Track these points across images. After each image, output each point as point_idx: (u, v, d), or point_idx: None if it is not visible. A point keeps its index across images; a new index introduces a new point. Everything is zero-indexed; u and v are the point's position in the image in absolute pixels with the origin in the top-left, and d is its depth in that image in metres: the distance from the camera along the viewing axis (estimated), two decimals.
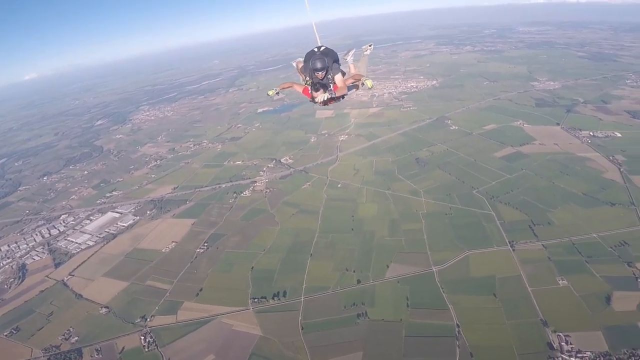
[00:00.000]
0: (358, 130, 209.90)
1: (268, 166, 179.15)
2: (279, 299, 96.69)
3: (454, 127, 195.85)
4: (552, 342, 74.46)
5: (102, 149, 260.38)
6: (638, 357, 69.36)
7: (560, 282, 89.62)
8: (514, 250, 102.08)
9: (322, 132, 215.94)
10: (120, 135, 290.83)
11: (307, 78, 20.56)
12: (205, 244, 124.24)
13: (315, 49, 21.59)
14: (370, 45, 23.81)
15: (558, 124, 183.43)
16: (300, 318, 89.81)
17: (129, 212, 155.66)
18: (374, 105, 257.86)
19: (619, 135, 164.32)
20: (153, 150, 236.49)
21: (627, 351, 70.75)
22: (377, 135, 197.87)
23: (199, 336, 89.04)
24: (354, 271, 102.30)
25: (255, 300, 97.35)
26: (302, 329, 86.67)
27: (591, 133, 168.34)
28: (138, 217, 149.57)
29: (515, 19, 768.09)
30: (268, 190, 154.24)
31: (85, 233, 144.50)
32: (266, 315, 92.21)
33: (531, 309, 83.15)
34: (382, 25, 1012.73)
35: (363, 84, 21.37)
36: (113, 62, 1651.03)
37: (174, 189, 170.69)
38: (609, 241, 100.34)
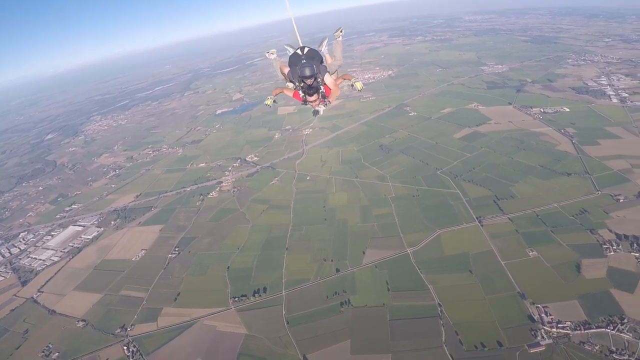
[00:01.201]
0: (321, 123, 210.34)
1: (233, 166, 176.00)
2: (260, 296, 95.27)
3: (413, 113, 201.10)
4: (533, 315, 77.23)
5: (55, 164, 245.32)
6: (616, 324, 72.47)
7: (530, 253, 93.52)
8: (482, 225, 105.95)
9: (286, 128, 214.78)
10: (74, 148, 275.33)
11: (297, 83, 20.09)
12: (177, 249, 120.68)
13: (299, 52, 20.98)
14: (340, 31, 23.26)
15: (510, 104, 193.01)
16: (284, 312, 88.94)
17: (91, 224, 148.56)
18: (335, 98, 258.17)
19: (567, 110, 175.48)
20: (110, 160, 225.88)
21: (604, 319, 74.08)
22: (340, 126, 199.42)
23: (183, 341, 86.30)
24: (332, 260, 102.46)
25: (236, 299, 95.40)
26: (288, 323, 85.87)
27: (541, 110, 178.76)
28: (102, 229, 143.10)
29: (461, 8, 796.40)
30: (236, 190, 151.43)
31: (49, 249, 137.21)
32: (249, 313, 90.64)
33: (507, 282, 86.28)
34: (335, 21, 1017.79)
35: (353, 85, 21.24)
36: (56, 75, 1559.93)
37: (137, 197, 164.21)
38: (570, 210, 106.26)
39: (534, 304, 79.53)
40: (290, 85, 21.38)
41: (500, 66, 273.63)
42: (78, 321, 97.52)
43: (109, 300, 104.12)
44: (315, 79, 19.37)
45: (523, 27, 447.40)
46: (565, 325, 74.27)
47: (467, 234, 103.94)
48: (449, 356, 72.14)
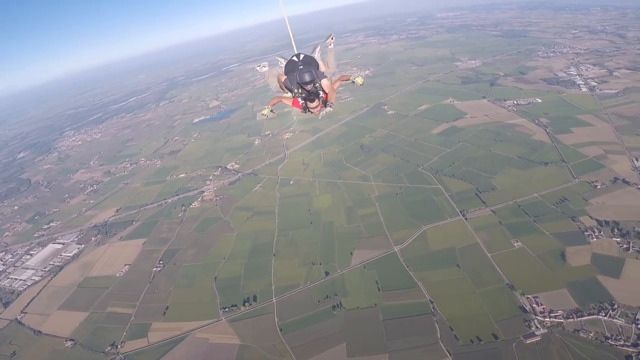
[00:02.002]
0: (301, 127, 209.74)
1: (214, 174, 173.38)
2: (250, 305, 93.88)
3: (391, 111, 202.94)
4: (524, 305, 78.14)
5: (29, 182, 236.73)
6: (607, 310, 73.84)
7: (515, 244, 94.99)
8: (466, 219, 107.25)
9: (266, 133, 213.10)
10: (48, 165, 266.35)
11: (295, 90, 20.08)
12: (161, 262, 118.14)
13: (295, 58, 20.91)
14: (331, 38, 22.97)
15: (484, 97, 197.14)
16: (276, 320, 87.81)
17: (71, 241, 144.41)
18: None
19: (539, 101, 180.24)
20: (87, 175, 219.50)
21: (595, 305, 75.41)
22: (320, 128, 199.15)
23: (176, 355, 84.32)
24: (320, 264, 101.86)
25: (226, 309, 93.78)
26: (281, 330, 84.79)
27: (515, 102, 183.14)
28: (83, 245, 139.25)
29: (433, 6, 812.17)
30: (218, 198, 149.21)
31: (29, 268, 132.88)
32: (241, 323, 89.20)
33: (495, 274, 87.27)
34: (310, 23, 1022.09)
35: (353, 82, 21.16)
36: (25, 90, 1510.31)
37: (117, 211, 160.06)
38: (550, 199, 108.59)
39: (524, 294, 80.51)
40: (289, 94, 21.14)
41: (473, 61, 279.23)
42: (66, 341, 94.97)
43: (96, 318, 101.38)
44: (314, 84, 19.45)
45: (494, 22, 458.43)
46: (557, 314, 75.27)
47: (452, 229, 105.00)
48: (446, 352, 72.36)
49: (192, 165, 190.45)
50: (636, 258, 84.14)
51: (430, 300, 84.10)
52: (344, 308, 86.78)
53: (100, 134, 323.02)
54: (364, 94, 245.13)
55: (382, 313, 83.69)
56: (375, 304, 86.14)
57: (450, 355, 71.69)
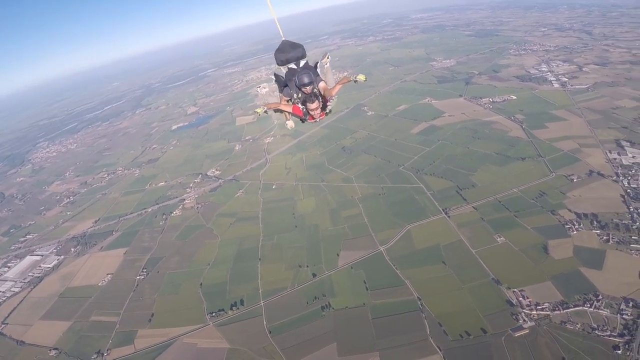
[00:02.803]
0: (282, 130, 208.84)
1: (195, 182, 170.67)
2: (238, 309, 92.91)
3: (370, 112, 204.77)
4: (511, 299, 79.48)
5: (3, 195, 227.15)
6: (592, 302, 75.49)
7: (498, 239, 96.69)
8: (449, 216, 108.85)
9: (246, 138, 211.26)
10: (21, 178, 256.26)
11: (295, 95, 20.01)
12: (144, 270, 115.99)
13: (294, 66, 21.11)
14: (327, 57, 22.74)
15: (461, 96, 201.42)
16: (265, 322, 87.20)
17: (50, 252, 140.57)
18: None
19: (514, 97, 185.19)
20: (63, 187, 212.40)
21: (580, 297, 77.12)
22: (301, 132, 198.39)
23: None
24: (307, 266, 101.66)
25: (213, 314, 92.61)
26: (270, 332, 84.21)
27: (490, 99, 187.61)
28: (62, 256, 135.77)
29: (408, 7, 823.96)
30: (199, 206, 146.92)
31: (7, 280, 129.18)
32: (229, 327, 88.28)
33: (480, 270, 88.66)
34: (287, 27, 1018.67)
35: (355, 80, 20.65)
36: None
37: (96, 222, 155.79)
38: (529, 194, 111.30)
39: (510, 288, 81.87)
40: (288, 103, 21.07)
41: (448, 61, 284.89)
42: (50, 350, 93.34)
43: (79, 327, 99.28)
44: (313, 86, 19.48)
45: (466, 22, 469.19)
46: (543, 306, 76.67)
47: (436, 227, 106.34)
48: (436, 347, 72.98)
49: (171, 173, 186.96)
50: (616, 249, 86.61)
51: (418, 297, 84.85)
52: (332, 308, 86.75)
53: (75, 144, 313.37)
54: (343, 95, 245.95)
55: (371, 312, 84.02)
56: (364, 304, 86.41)
57: (440, 350, 72.27)
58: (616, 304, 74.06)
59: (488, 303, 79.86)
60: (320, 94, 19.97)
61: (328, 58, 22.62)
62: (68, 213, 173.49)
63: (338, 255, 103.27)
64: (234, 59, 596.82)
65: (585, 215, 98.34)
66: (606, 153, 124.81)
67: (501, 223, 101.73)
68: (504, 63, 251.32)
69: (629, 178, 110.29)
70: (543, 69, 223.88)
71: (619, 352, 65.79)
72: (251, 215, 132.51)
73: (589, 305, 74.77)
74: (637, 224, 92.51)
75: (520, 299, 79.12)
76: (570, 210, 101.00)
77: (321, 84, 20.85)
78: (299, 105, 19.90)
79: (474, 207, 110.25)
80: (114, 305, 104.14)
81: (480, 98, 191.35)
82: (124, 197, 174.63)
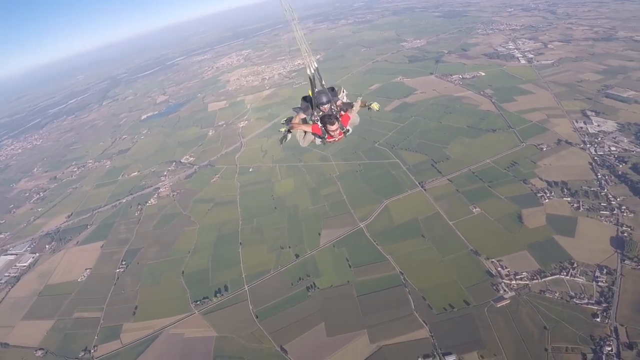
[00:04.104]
0: (256, 114, 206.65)
1: (168, 170, 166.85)
2: (222, 295, 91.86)
3: (344, 92, 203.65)
4: (490, 270, 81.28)
5: None
6: (568, 269, 78.01)
7: (474, 210, 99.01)
8: (425, 190, 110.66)
9: (220, 124, 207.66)
10: None
11: (315, 113, 20.62)
12: (123, 263, 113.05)
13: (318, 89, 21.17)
14: (343, 91, 23.31)
15: (432, 74, 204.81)
16: (251, 307, 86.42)
17: (24, 251, 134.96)
18: (267, 88, 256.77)
19: (483, 74, 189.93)
20: (31, 184, 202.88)
21: (556, 265, 79.39)
22: (276, 114, 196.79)
23: (153, 353, 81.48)
24: (289, 247, 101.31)
25: (198, 302, 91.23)
26: (257, 317, 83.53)
27: (460, 76, 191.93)
28: (37, 254, 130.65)
29: None
30: (175, 193, 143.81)
31: None
32: (215, 315, 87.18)
33: (459, 241, 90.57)
34: (258, 14, 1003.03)
35: (370, 107, 21.62)
36: None
37: (69, 217, 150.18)
38: (501, 164, 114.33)
39: (488, 259, 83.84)
40: (309, 123, 21.59)
41: (418, 41, 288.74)
42: (36, 350, 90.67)
43: (63, 325, 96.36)
44: (331, 105, 20.19)
45: (435, 4, 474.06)
46: (522, 276, 78.73)
47: (413, 200, 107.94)
48: (422, 322, 74.02)
49: (144, 163, 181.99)
50: (587, 216, 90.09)
51: (400, 272, 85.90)
52: (318, 288, 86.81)
53: (41, 140, 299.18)
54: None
55: (355, 289, 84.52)
56: (348, 281, 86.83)
57: (426, 325, 73.34)
58: (591, 272, 76.71)
59: (469, 274, 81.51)
60: (339, 116, 20.36)
61: (344, 92, 23.36)
62: (39, 209, 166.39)
63: (319, 234, 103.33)
64: (203, 47, 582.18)
65: (556, 183, 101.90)
66: (573, 122, 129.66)
67: (476, 194, 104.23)
68: (472, 42, 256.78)
69: (596, 146, 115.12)
70: (510, 47, 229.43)
71: (598, 319, 68.05)
72: (229, 199, 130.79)
73: (565, 274, 77.20)
74: (605, 190, 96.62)
75: (499, 269, 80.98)
76: (541, 179, 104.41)
77: (339, 103, 21.81)
78: (319, 124, 20.30)
79: (449, 180, 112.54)
80: (95, 300, 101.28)
81: (451, 75, 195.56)
82: (96, 190, 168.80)
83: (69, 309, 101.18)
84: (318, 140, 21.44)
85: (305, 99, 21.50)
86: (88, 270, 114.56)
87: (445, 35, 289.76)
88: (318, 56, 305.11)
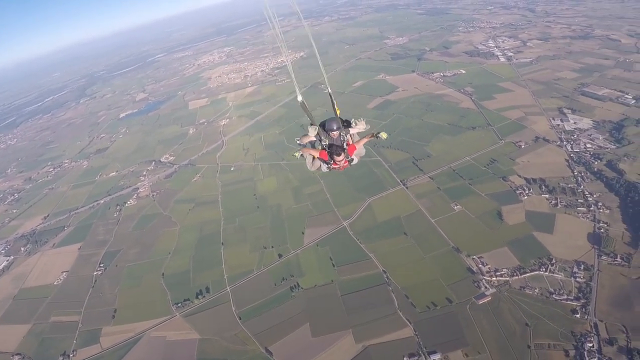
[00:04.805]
0: (238, 112, 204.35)
1: (148, 169, 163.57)
2: (204, 297, 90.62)
3: (327, 90, 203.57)
4: (471, 267, 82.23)
5: None
6: (547, 266, 79.27)
7: (455, 207, 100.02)
8: (407, 187, 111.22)
9: (200, 122, 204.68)
10: None
11: (323, 138, 21.05)
12: (102, 265, 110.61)
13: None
14: (362, 121, 22.57)
15: (413, 71, 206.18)
16: (234, 308, 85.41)
17: None
18: (249, 85, 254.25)
19: (463, 72, 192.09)
20: (5, 184, 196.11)
21: (535, 261, 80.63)
22: (259, 112, 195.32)
23: (135, 357, 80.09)
24: (272, 247, 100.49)
25: (179, 305, 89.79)
26: (240, 318, 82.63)
27: (441, 74, 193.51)
28: (12, 257, 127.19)
29: None
30: (155, 193, 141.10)
31: None
32: (197, 317, 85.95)
33: (440, 239, 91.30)
34: (242, 9, 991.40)
35: (378, 136, 21.75)
36: None
37: (45, 218, 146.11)
38: (481, 161, 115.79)
39: (469, 256, 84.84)
40: (317, 147, 22.03)
41: (401, 38, 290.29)
42: (12, 355, 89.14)
43: (40, 330, 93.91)
44: (340, 132, 20.64)
45: (418, 1, 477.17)
46: (502, 272, 79.88)
47: (395, 198, 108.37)
48: (406, 321, 74.41)
49: (122, 163, 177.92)
50: (565, 212, 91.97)
51: (383, 270, 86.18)
52: (302, 288, 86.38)
53: (15, 139, 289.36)
54: (300, 75, 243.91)
55: (339, 289, 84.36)
56: (332, 281, 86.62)
57: (410, 323, 73.72)
58: (569, 267, 78.26)
59: (450, 272, 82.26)
60: (346, 147, 20.97)
61: (363, 122, 22.83)
62: (14, 211, 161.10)
63: (303, 233, 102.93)
64: (184, 44, 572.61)
65: (534, 180, 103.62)
66: (550, 120, 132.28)
67: (457, 191, 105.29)
68: (453, 40, 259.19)
69: (572, 143, 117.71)
70: (490, 45, 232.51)
71: (578, 316, 69.44)
72: (210, 199, 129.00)
73: (544, 270, 78.56)
74: (582, 187, 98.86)
75: (480, 265, 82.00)
76: (520, 176, 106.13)
77: (348, 131, 21.96)
78: (327, 150, 20.84)
79: (430, 177, 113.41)
80: (73, 303, 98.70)
81: (432, 73, 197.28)
82: (73, 191, 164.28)
83: (45, 312, 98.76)
84: (325, 167, 21.92)
85: (321, 124, 21.84)
86: (65, 273, 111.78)
87: (427, 33, 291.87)
88: (302, 53, 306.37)
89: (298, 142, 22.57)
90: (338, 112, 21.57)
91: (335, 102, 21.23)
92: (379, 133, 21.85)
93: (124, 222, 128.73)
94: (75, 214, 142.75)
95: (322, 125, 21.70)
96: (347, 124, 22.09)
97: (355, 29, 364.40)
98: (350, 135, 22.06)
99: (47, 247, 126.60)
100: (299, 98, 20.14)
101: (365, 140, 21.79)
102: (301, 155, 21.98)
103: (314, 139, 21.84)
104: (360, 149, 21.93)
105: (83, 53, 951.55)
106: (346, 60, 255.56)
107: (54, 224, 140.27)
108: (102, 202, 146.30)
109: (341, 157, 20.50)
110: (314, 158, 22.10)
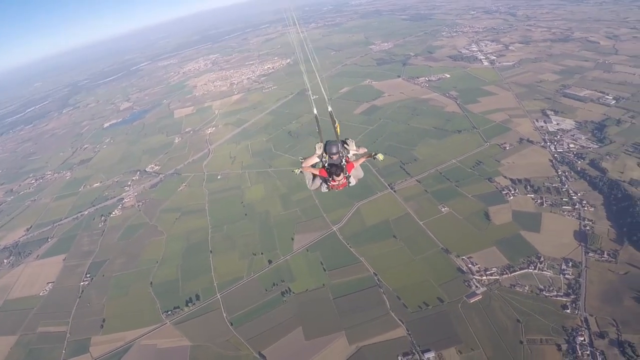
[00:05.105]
0: (225, 120, 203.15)
1: (133, 179, 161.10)
2: (194, 304, 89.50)
3: (315, 96, 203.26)
4: (461, 267, 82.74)
5: None
6: (535, 264, 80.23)
7: (442, 209, 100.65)
8: (395, 191, 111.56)
9: (186, 131, 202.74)
10: None
11: (324, 159, 21.99)
12: (88, 276, 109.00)
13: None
14: (353, 142, 23.76)
15: (399, 76, 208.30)
16: (225, 315, 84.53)
17: None
18: (236, 93, 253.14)
19: (448, 76, 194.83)
20: None
21: (524, 260, 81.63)
22: (245, 120, 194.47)
23: None
24: (262, 253, 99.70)
25: (169, 312, 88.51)
26: (232, 324, 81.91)
27: (426, 78, 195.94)
28: None
29: None
30: (140, 203, 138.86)
31: None
32: (188, 324, 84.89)
33: (429, 240, 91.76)
34: (228, 17, 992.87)
35: (375, 157, 22.35)
36: None
37: (28, 230, 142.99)
38: (467, 163, 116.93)
39: (459, 256, 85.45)
40: (317, 166, 22.82)
41: (386, 44, 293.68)
42: None
43: (27, 340, 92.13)
44: (340, 154, 21.35)
45: (402, 7, 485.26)
46: (492, 271, 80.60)
47: (384, 202, 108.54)
48: (398, 321, 74.50)
49: (106, 173, 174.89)
50: (550, 211, 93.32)
51: (374, 273, 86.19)
52: (293, 293, 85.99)
53: None
54: (287, 82, 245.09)
55: (331, 292, 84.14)
56: (324, 284, 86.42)
57: (402, 323, 73.85)
58: (557, 265, 79.42)
59: (441, 272, 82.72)
60: (345, 167, 21.54)
61: (354, 143, 24.13)
62: None
63: (292, 239, 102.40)
64: (169, 51, 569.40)
65: (520, 180, 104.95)
66: (533, 122, 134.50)
67: (444, 193, 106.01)
68: (437, 44, 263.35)
69: (555, 143, 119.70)
70: (473, 49, 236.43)
71: (568, 311, 70.39)
72: (197, 207, 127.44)
73: (533, 268, 79.54)
74: (566, 186, 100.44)
75: (470, 265, 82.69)
76: (505, 177, 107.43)
77: (349, 154, 22.85)
78: (326, 169, 21.67)
79: (417, 180, 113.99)
80: (60, 314, 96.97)
81: (417, 78, 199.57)
82: (56, 202, 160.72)
83: (32, 323, 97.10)
84: (324, 188, 22.41)
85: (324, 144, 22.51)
86: (50, 284, 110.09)
87: (412, 38, 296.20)
88: (288, 60, 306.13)
89: (301, 162, 22.99)
90: (339, 131, 22.33)
91: (337, 122, 21.95)
92: (376, 154, 22.12)
93: (109, 233, 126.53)
94: (59, 226, 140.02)
95: (324, 145, 22.29)
96: (343, 143, 22.72)
97: (341, 35, 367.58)
98: (347, 157, 22.52)
99: (31, 259, 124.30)
100: (317, 111, 22.34)
101: (362, 160, 22.30)
102: (300, 172, 22.32)
103: (317, 160, 22.50)
104: (358, 172, 22.51)
105: (65, 62, 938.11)
106: (332, 66, 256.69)
107: (37, 236, 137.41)
108: (86, 213, 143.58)
109: (340, 177, 21.07)
110: (314, 177, 22.45)
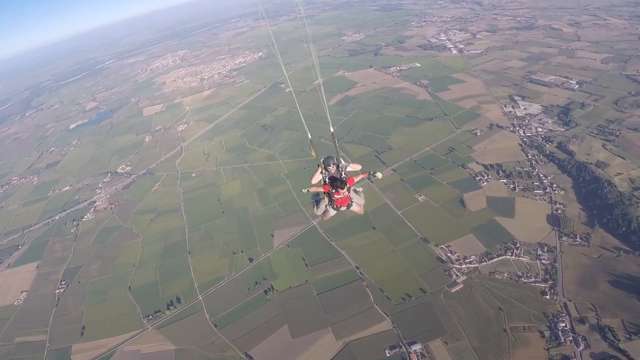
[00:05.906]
0: (196, 116, 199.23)
1: (104, 181, 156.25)
2: (175, 307, 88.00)
3: (288, 89, 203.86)
4: (441, 256, 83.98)
5: None
6: (512, 250, 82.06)
7: (419, 198, 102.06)
8: (371, 181, 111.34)
9: (157, 129, 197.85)
10: None
11: (325, 172, 21.82)
12: (63, 283, 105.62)
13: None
14: (349, 164, 23.27)
15: (371, 67, 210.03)
16: (208, 317, 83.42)
17: None
18: (207, 88, 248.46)
19: (418, 65, 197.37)
20: None
21: (500, 246, 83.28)
22: (218, 115, 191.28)
23: None
24: (242, 252, 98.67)
25: (150, 317, 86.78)
26: (216, 326, 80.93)
27: (398, 68, 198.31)
28: None
29: None
30: (113, 206, 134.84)
31: None
32: (170, 327, 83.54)
33: (408, 230, 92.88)
34: (198, 11, 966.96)
35: (374, 175, 22.16)
36: None
37: None
38: (440, 150, 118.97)
39: (437, 245, 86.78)
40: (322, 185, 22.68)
41: (357, 35, 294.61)
42: None
43: (6, 351, 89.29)
44: (339, 167, 21.31)
45: None
46: (471, 259, 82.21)
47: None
48: (383, 314, 75.20)
49: (76, 176, 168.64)
50: (523, 196, 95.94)
51: (356, 266, 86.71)
52: (276, 290, 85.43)
53: None
54: (259, 75, 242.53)
55: (315, 288, 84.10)
56: (307, 281, 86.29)
57: (388, 316, 74.61)
58: (533, 250, 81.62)
59: (421, 262, 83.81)
60: (346, 180, 21.54)
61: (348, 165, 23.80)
62: None
63: (272, 235, 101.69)
64: (135, 49, 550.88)
65: (492, 166, 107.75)
66: (502, 107, 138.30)
67: (419, 182, 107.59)
68: (407, 34, 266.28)
69: (524, 127, 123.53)
70: (442, 38, 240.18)
71: (547, 297, 72.33)
72: (172, 207, 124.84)
73: (510, 254, 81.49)
74: (536, 170, 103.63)
75: (449, 254, 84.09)
76: (478, 163, 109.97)
77: (347, 168, 22.67)
78: (329, 183, 21.69)
79: (393, 170, 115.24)
80: (37, 323, 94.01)
81: (389, 67, 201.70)
82: (24, 208, 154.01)
83: (9, 334, 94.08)
84: (332, 211, 22.78)
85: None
86: (25, 292, 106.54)
87: (383, 29, 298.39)
88: (260, 53, 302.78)
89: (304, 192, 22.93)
90: (314, 153, 22.29)
91: (336, 142, 21.60)
92: (375, 173, 22.12)
93: (82, 237, 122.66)
94: (29, 232, 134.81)
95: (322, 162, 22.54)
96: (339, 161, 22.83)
97: (312, 26, 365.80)
98: (346, 171, 22.46)
99: (2, 268, 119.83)
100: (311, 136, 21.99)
101: (360, 177, 22.26)
102: (307, 191, 22.43)
103: (321, 176, 22.19)
104: (359, 199, 22.75)
105: (24, 63, 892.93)
106: (305, 58, 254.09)
107: (6, 244, 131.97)
108: (57, 218, 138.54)
109: (344, 190, 21.08)
110: (319, 200, 22.91)
